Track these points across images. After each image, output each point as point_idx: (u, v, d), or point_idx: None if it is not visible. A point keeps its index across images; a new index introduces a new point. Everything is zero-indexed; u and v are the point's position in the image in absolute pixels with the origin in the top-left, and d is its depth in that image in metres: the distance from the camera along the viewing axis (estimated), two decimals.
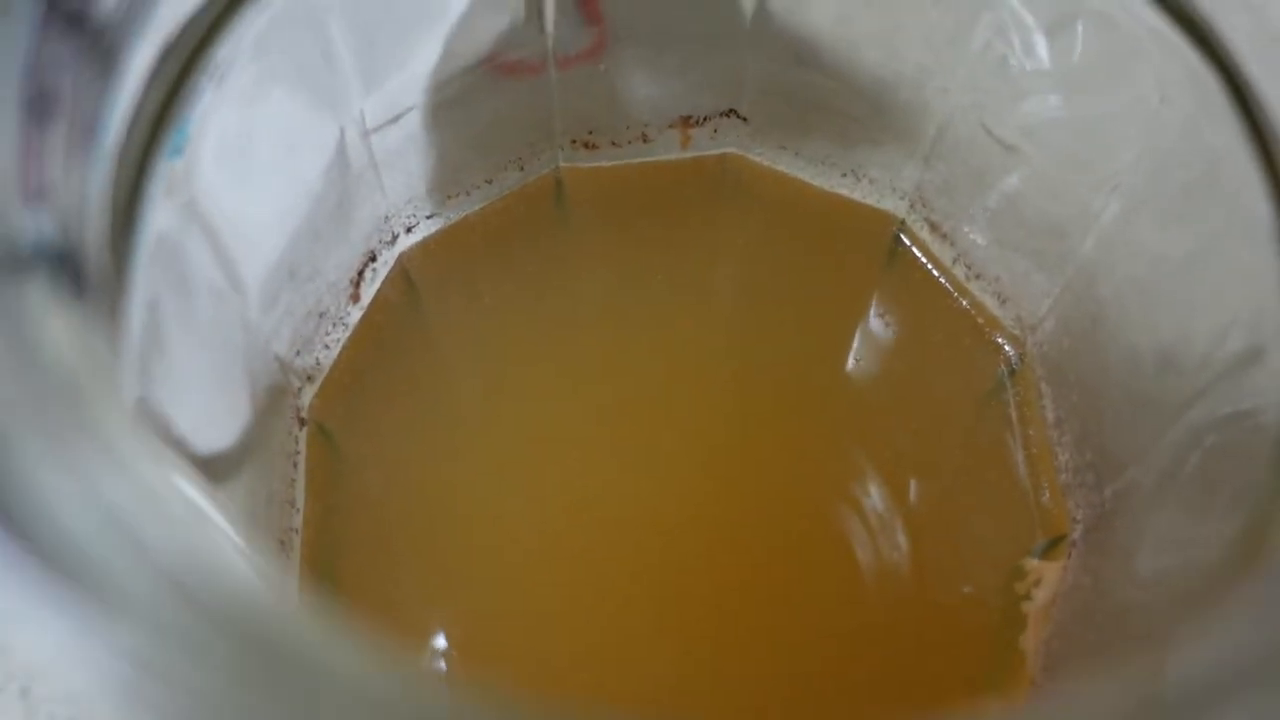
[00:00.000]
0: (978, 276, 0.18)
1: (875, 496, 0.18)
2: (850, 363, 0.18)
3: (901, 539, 0.17)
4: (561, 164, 0.19)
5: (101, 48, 0.09)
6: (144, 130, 0.10)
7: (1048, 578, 0.16)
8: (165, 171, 0.11)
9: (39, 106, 0.08)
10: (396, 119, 0.16)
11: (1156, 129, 0.13)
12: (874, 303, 0.19)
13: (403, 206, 0.17)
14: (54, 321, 0.07)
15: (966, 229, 0.17)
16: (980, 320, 0.18)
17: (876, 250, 0.19)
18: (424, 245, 0.18)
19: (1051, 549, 0.16)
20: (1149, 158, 0.13)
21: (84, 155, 0.08)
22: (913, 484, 0.18)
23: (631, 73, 0.18)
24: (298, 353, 0.15)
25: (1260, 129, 0.12)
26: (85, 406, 0.06)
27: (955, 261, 0.18)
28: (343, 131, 0.15)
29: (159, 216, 0.11)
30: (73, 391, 0.06)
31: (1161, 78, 0.13)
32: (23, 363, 0.06)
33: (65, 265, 0.07)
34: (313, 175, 0.15)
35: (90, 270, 0.08)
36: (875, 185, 0.18)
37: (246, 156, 0.13)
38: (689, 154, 0.20)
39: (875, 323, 0.19)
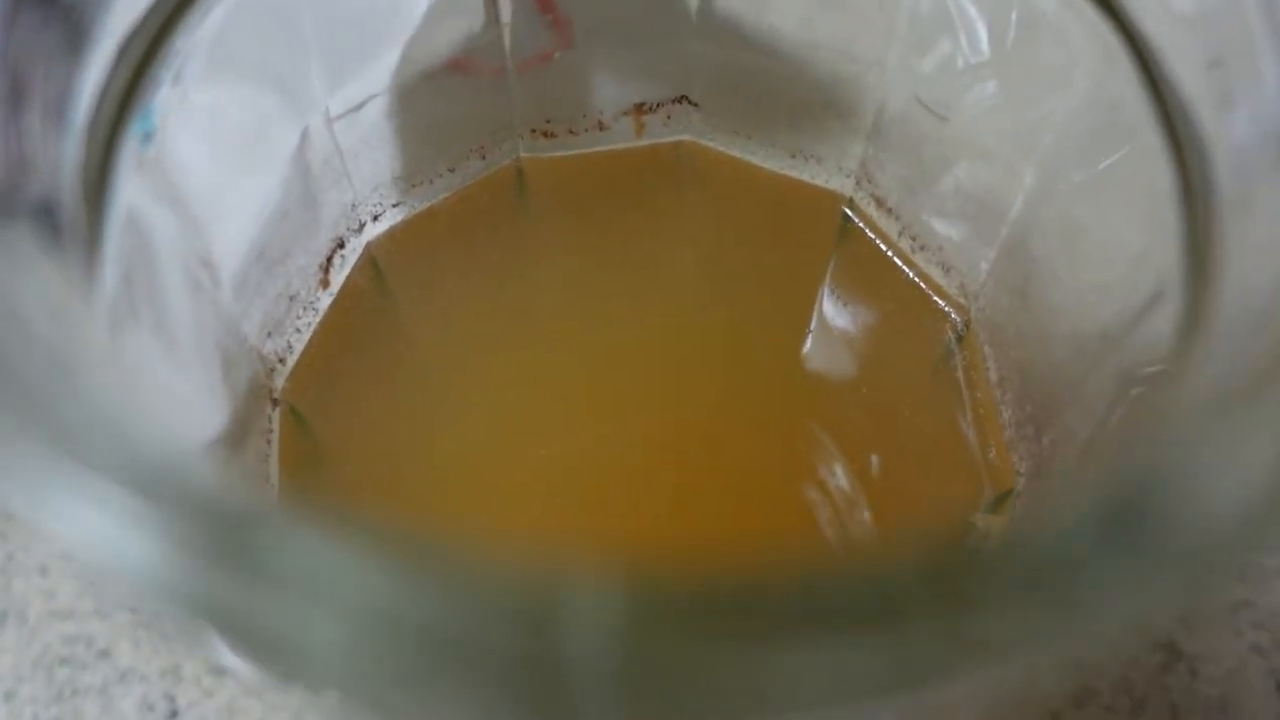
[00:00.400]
0: (923, 248, 0.18)
1: (835, 468, 0.18)
2: (807, 339, 0.19)
3: (860, 506, 0.18)
4: (522, 154, 0.20)
5: (71, 23, 0.09)
6: (111, 111, 0.10)
7: (995, 531, 0.17)
8: (134, 152, 0.11)
9: (14, 83, 0.09)
10: (361, 106, 0.16)
11: (1071, 96, 0.14)
12: (828, 280, 0.19)
13: (369, 194, 0.18)
14: (39, 262, 0.07)
15: (909, 202, 0.18)
16: (927, 290, 0.19)
17: (827, 228, 0.20)
18: (391, 234, 0.19)
19: (999, 504, 0.17)
20: (1065, 122, 0.14)
21: (57, 130, 0.09)
22: (870, 453, 0.18)
23: (586, 64, 0.19)
24: (269, 334, 0.16)
25: (1161, 92, 0.13)
26: (66, 326, 0.07)
27: (901, 234, 0.19)
28: (307, 118, 0.15)
29: (129, 194, 0.11)
30: (57, 316, 0.07)
31: (1078, 48, 0.14)
32: (13, 287, 0.07)
33: (46, 218, 0.08)
34: (279, 162, 0.15)
35: (66, 230, 0.08)
36: (823, 165, 0.19)
37: (214, 142, 0.14)
38: (645, 142, 0.20)
39: (830, 299, 0.19)
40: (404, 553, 0.06)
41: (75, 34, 0.09)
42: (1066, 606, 0.06)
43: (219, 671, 0.20)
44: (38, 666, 0.21)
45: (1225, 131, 0.12)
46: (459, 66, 0.18)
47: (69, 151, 0.09)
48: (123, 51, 0.10)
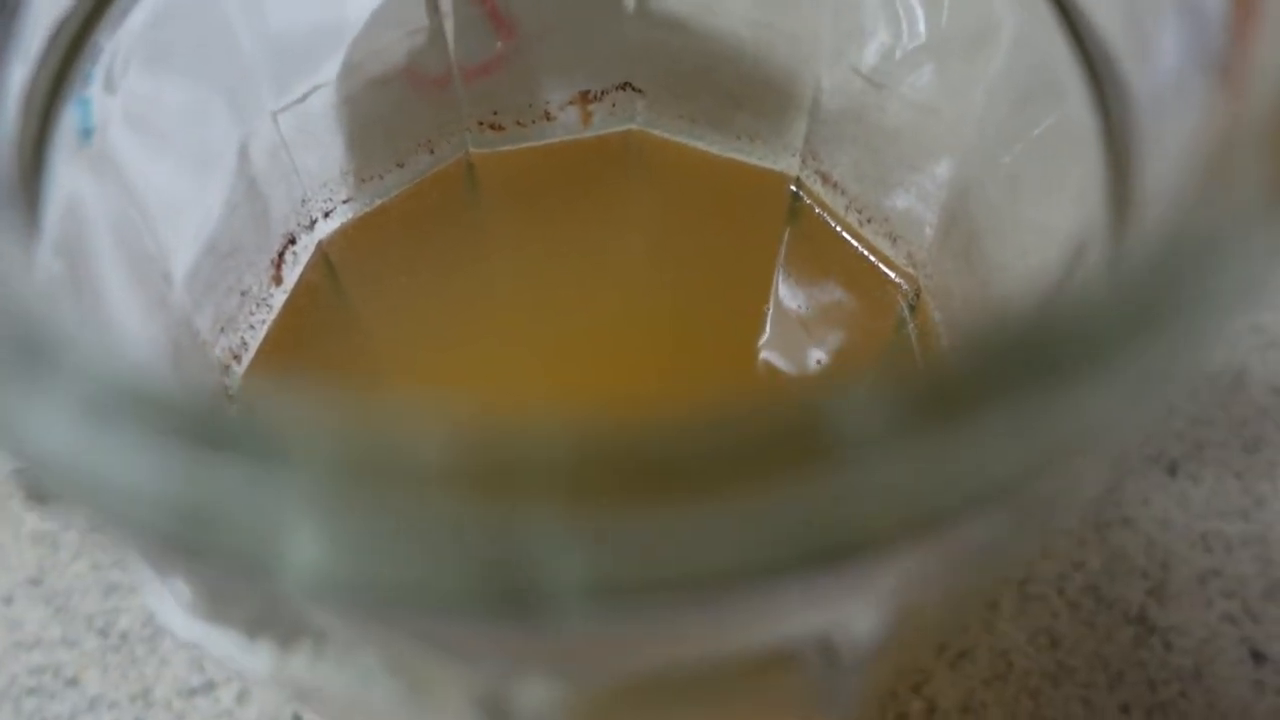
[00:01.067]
0: (869, 220, 0.19)
1: None
2: (765, 321, 0.19)
3: None
4: (471, 148, 0.20)
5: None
6: (44, 92, 0.11)
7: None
8: (71, 143, 0.11)
9: None
10: (304, 98, 0.17)
11: (1002, 60, 0.14)
12: (781, 260, 0.20)
13: (318, 190, 0.18)
14: None
15: (854, 175, 0.18)
16: (877, 262, 0.19)
17: (777, 209, 0.20)
18: (343, 231, 0.19)
19: None
20: (995, 82, 0.14)
21: None
22: None
23: (529, 57, 0.19)
24: (222, 330, 0.16)
25: (1087, 49, 0.13)
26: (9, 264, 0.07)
27: (848, 209, 0.19)
28: (249, 112, 0.16)
29: (69, 184, 0.11)
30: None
31: (1007, 13, 0.14)
32: None
33: None
34: (225, 156, 0.15)
35: (3, 199, 0.08)
36: (769, 145, 0.19)
37: (155, 138, 0.14)
38: (595, 133, 0.20)
39: (784, 280, 0.20)
40: (366, 414, 0.06)
41: (6, 9, 0.09)
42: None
43: (190, 693, 0.20)
44: (4, 698, 0.20)
45: (1145, 80, 0.12)
46: (404, 76, 0.19)
47: (3, 126, 0.09)
48: (54, 35, 0.10)
